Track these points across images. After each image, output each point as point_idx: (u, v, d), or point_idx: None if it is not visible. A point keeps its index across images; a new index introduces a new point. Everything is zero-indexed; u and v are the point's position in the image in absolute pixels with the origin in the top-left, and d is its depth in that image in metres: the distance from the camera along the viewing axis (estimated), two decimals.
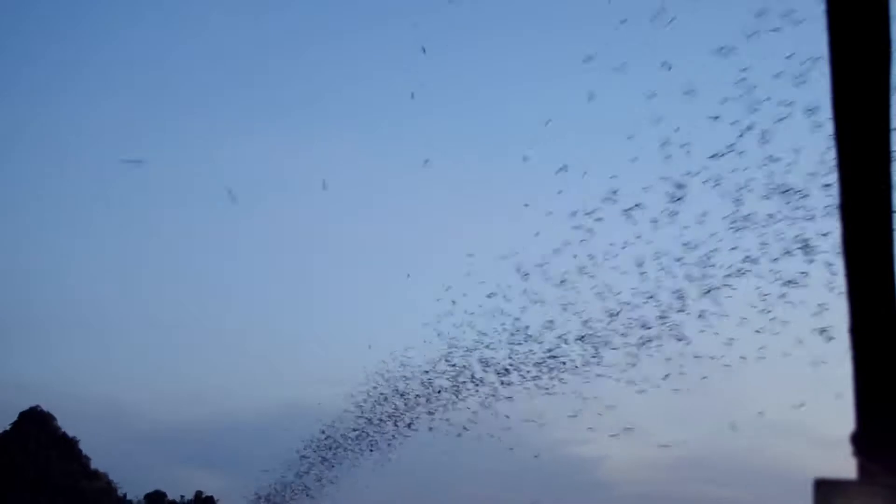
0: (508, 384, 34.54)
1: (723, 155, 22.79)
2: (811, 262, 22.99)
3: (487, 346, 34.20)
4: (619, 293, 28.06)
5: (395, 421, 41.85)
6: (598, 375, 31.40)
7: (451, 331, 34.99)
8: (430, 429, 39.77)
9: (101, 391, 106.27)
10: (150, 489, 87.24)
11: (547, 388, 33.23)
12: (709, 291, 25.73)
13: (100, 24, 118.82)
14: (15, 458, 79.38)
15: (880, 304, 5.65)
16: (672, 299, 26.82)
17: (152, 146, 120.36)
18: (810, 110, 20.72)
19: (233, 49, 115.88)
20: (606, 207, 25.94)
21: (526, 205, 30.64)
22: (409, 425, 41.00)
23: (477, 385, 35.67)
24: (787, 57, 20.43)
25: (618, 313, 28.40)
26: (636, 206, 25.47)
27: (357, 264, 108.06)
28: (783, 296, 24.28)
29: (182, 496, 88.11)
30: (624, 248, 26.75)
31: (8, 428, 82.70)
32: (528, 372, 33.43)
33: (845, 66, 5.57)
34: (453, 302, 34.06)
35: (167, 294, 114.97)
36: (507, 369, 34.17)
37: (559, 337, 31.33)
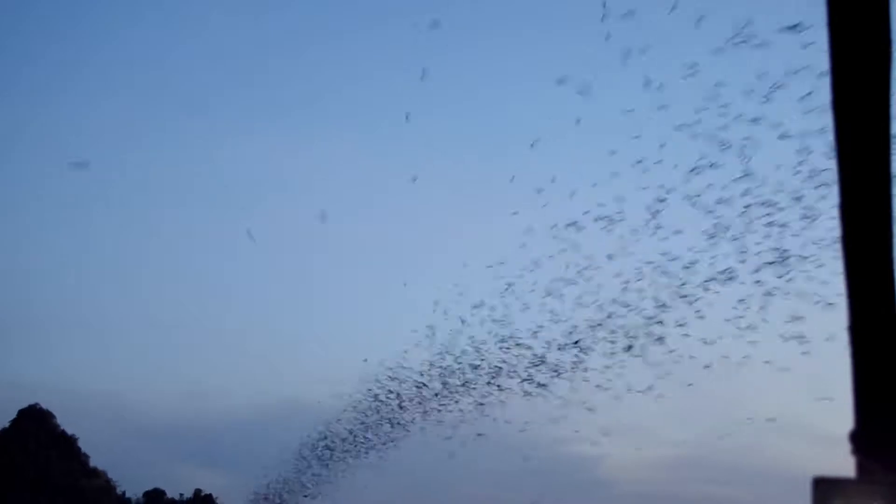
0: (502, 388, 34.68)
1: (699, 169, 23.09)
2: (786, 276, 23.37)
3: (477, 349, 34.35)
4: (601, 300, 28.28)
5: (393, 421, 41.92)
6: (589, 379, 31.54)
7: (448, 332, 35.11)
8: (422, 428, 39.86)
9: (100, 389, 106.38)
10: (149, 487, 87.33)
11: (540, 390, 33.37)
12: (700, 295, 25.89)
13: (100, 24, 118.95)
14: (14, 457, 79.40)
15: (879, 302, 5.67)
16: (667, 299, 26.95)
17: (152, 146, 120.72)
18: (777, 125, 21.22)
19: (233, 49, 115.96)
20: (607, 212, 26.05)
21: (515, 213, 30.72)
22: (405, 425, 41.09)
23: (471, 387, 35.79)
24: (758, 77, 20.97)
25: (609, 317, 28.57)
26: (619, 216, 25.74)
27: (356, 264, 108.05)
28: (776, 295, 24.44)
29: (181, 494, 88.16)
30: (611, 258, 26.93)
31: (7, 426, 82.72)
32: (524, 374, 33.54)
33: (845, 66, 5.59)
34: (444, 313, 34.24)
35: (167, 293, 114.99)
36: (497, 372, 34.31)
37: (548, 343, 31.50)
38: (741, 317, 25.61)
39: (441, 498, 77.28)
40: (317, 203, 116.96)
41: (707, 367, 28.76)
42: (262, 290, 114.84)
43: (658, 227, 25.24)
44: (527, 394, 33.76)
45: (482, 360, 34.59)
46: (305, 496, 55.04)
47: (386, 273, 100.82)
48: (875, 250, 5.61)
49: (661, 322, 27.58)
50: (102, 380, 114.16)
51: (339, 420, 46.88)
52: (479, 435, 38.41)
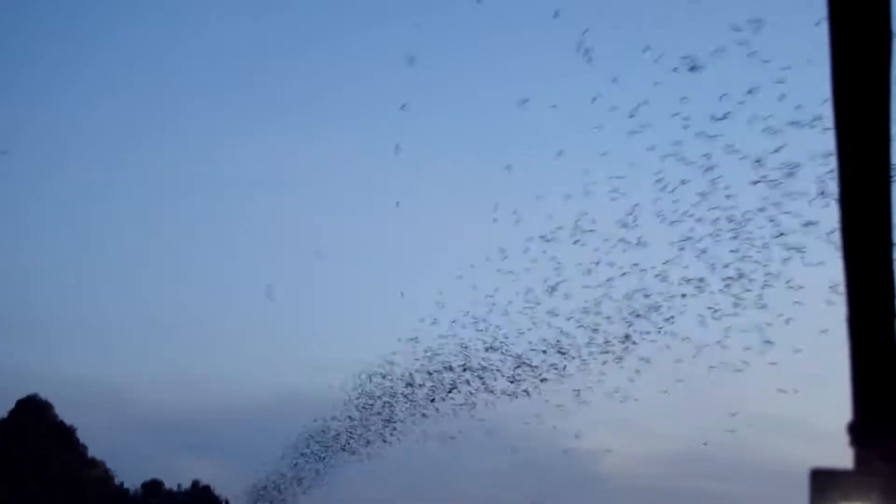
0: (501, 386, 34.83)
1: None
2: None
3: (465, 348, 34.53)
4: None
5: (391, 418, 42.04)
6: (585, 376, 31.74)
7: (448, 332, 35.18)
8: (421, 427, 39.97)
9: (99, 380, 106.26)
10: (147, 478, 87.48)
11: (538, 389, 33.55)
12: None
13: (100, 24, 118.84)
14: (12, 447, 79.49)
15: (878, 295, 5.69)
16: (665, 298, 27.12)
17: (152, 146, 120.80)
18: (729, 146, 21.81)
19: (233, 49, 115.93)
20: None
21: (494, 220, 30.89)
22: (403, 423, 41.22)
23: (468, 383, 35.94)
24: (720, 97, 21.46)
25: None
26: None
27: (355, 263, 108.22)
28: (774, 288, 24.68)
29: (179, 485, 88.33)
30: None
31: (5, 416, 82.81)
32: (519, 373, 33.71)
33: (845, 61, 5.60)
34: (434, 320, 34.43)
35: (166, 287, 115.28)
36: (482, 374, 34.52)
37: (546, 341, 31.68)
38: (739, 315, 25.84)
39: (440, 497, 77.55)
40: (317, 203, 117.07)
41: (709, 366, 28.88)
42: (262, 285, 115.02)
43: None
44: (526, 392, 33.89)
45: (482, 359, 34.72)
46: (303, 492, 55.18)
47: (385, 272, 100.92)
48: (874, 242, 5.64)
49: (656, 317, 27.72)
50: (101, 371, 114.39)
51: (336, 415, 46.96)
52: (481, 433, 38.61)
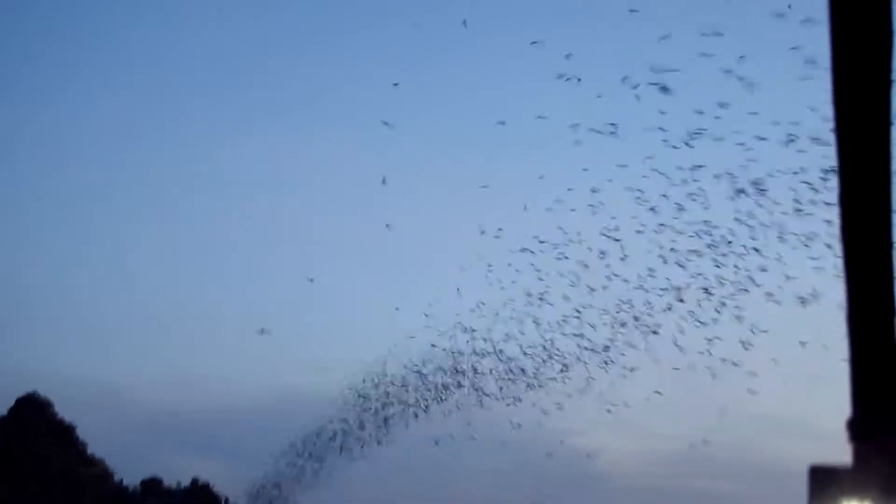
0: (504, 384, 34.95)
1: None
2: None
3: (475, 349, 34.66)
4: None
5: (389, 417, 42.09)
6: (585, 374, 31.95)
7: (448, 329, 35.31)
8: (420, 426, 40.07)
9: (98, 378, 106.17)
10: (146, 475, 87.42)
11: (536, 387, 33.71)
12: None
13: (100, 24, 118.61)
14: (11, 445, 79.48)
15: (877, 293, 5.72)
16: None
17: (152, 146, 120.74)
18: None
19: (233, 49, 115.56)
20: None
21: (490, 231, 31.12)
22: (402, 422, 41.25)
23: (468, 386, 36.07)
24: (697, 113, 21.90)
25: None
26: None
27: (356, 263, 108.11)
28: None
29: (178, 482, 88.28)
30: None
31: (5, 414, 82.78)
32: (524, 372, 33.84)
33: (846, 60, 5.64)
34: (426, 318, 34.60)
35: (165, 285, 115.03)
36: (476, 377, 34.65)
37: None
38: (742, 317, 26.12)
39: (439, 497, 77.52)
40: (316, 202, 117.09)
41: (708, 364, 29.04)
42: (261, 284, 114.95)
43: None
44: (528, 388, 34.01)
45: (482, 358, 34.79)
46: (302, 492, 55.17)
47: (385, 272, 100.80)
48: (873, 240, 5.66)
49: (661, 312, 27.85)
50: (101, 369, 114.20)
51: (336, 415, 46.99)
52: (474, 434, 38.70)
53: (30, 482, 78.42)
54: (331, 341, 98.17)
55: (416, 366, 38.06)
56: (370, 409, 43.02)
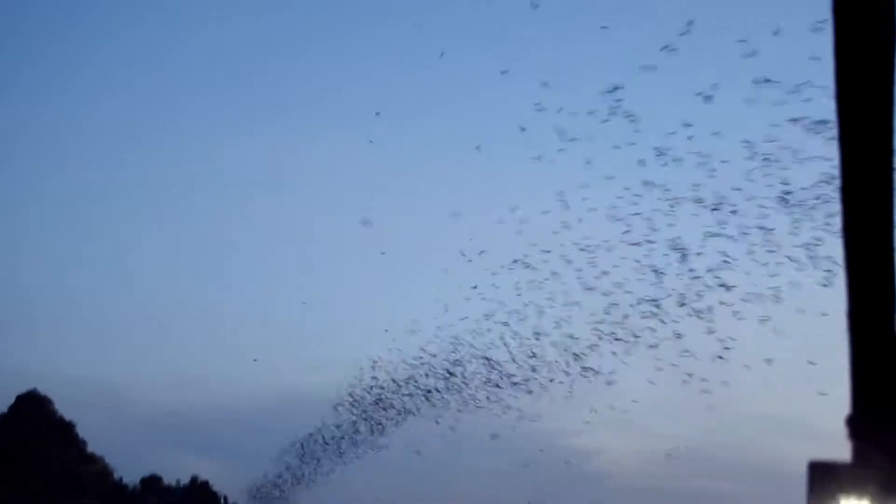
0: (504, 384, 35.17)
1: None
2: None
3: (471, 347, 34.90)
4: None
5: (389, 418, 42.20)
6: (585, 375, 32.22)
7: (448, 328, 35.48)
8: (418, 425, 40.21)
9: (98, 376, 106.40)
10: (146, 474, 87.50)
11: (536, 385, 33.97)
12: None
13: (100, 24, 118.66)
14: (11, 442, 79.52)
15: (878, 289, 5.74)
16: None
17: (152, 146, 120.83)
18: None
19: (233, 49, 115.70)
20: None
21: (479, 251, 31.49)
22: (401, 422, 41.38)
23: (467, 385, 36.26)
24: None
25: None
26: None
27: (355, 262, 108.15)
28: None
29: (178, 481, 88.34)
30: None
31: (5, 412, 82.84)
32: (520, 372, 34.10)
33: (848, 58, 5.66)
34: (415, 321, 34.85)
35: (165, 285, 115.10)
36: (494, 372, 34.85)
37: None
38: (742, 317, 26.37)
39: (438, 496, 77.57)
40: (317, 202, 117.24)
41: (706, 362, 29.20)
42: (261, 284, 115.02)
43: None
44: (527, 391, 34.18)
45: (481, 357, 34.92)
46: (302, 491, 55.24)
47: (384, 272, 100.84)
48: (874, 236, 5.69)
49: (658, 312, 27.99)
50: (101, 367, 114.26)
51: (335, 414, 47.05)
52: (479, 433, 38.90)
53: (30, 480, 78.48)
54: (330, 341, 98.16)
55: (414, 366, 38.18)
56: (368, 409, 43.11)
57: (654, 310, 27.70)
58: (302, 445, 52.16)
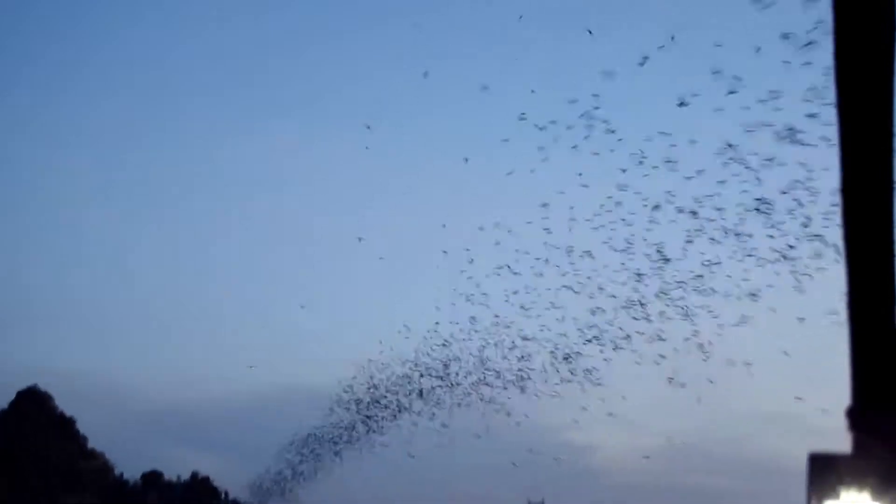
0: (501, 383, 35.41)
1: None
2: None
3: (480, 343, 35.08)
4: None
5: (388, 416, 42.34)
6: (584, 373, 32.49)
7: (449, 327, 35.62)
8: (418, 424, 40.31)
9: (99, 372, 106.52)
10: (146, 469, 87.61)
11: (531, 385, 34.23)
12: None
13: (100, 24, 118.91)
14: (12, 438, 79.60)
15: (878, 281, 5.80)
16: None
17: (152, 146, 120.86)
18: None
19: (233, 49, 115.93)
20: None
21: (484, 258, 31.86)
22: (401, 421, 41.52)
23: (466, 386, 36.48)
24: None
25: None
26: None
27: (354, 262, 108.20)
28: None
29: (178, 476, 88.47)
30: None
31: (6, 408, 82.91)
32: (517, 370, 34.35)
33: (849, 58, 5.71)
34: (432, 324, 35.06)
35: (166, 284, 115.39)
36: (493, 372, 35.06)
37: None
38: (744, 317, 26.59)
39: (438, 494, 77.70)
40: (317, 203, 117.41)
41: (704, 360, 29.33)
42: (262, 282, 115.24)
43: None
44: (523, 390, 34.35)
45: (482, 357, 35.08)
46: (303, 488, 55.33)
47: (383, 271, 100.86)
48: (874, 229, 5.74)
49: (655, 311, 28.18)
50: (101, 363, 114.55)
51: (334, 413, 47.13)
52: (478, 433, 39.03)
53: (30, 475, 78.56)
54: (330, 339, 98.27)
55: (415, 364, 38.29)
56: (368, 406, 43.21)
57: (641, 311, 28.04)
58: (303, 440, 52.27)
